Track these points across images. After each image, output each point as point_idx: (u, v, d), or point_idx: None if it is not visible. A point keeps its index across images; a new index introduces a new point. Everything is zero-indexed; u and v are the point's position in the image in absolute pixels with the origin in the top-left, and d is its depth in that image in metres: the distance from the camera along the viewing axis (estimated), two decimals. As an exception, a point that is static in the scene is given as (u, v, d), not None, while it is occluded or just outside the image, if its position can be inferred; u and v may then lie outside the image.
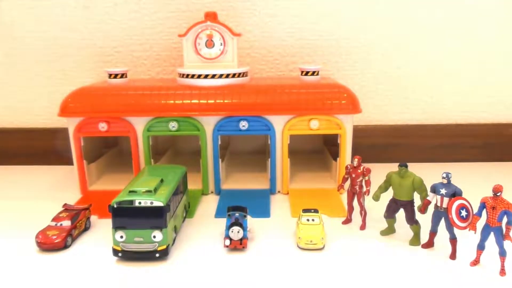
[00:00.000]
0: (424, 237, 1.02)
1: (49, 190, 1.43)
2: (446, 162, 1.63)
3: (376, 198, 1.06)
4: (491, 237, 0.89)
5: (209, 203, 1.29)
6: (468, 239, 0.97)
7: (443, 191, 0.94)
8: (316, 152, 1.68)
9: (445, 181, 0.94)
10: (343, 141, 1.32)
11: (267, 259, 0.98)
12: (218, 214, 1.20)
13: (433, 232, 1.00)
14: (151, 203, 0.94)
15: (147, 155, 1.33)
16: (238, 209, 1.07)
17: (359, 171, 1.09)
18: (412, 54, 1.60)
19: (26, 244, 1.05)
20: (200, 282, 0.90)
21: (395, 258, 0.97)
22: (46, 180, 1.52)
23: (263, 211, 1.21)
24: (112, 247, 0.96)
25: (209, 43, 1.35)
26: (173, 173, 1.13)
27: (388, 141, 1.65)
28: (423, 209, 0.99)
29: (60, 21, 1.60)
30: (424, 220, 1.02)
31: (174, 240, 1.04)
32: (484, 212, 0.90)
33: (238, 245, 1.00)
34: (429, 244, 1.01)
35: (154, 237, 0.95)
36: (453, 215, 0.92)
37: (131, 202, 0.95)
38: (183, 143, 1.69)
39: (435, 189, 0.96)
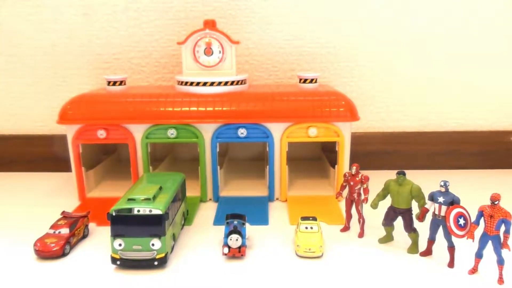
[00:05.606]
0: (423, 245, 1.02)
1: (47, 197, 1.43)
2: (444, 169, 1.63)
3: (374, 206, 1.06)
4: (489, 246, 0.90)
5: (208, 210, 1.29)
6: (466, 247, 0.97)
7: (441, 199, 0.94)
8: (314, 159, 1.68)
9: (443, 189, 0.95)
10: (341, 149, 1.32)
11: (265, 267, 0.98)
12: (217, 222, 1.20)
13: (431, 240, 1.00)
14: (150, 211, 0.94)
15: (146, 162, 1.33)
16: (236, 217, 1.07)
17: (357, 178, 1.10)
18: (410, 61, 1.61)
19: (24, 252, 1.05)
20: (199, 290, 0.90)
21: (393, 266, 0.97)
22: (44, 186, 1.51)
23: (262, 219, 1.21)
24: (111, 255, 0.96)
25: (208, 51, 1.36)
26: (172, 181, 1.13)
27: (386, 148, 1.65)
28: (421, 217, 0.99)
29: (60, 28, 1.60)
30: (422, 228, 1.03)
31: (172, 248, 1.04)
32: (482, 221, 0.90)
33: (236, 253, 1.00)
34: (427, 252, 1.01)
35: (153, 245, 0.95)
36: (451, 223, 0.92)
37: (130, 210, 0.95)
38: (181, 150, 1.70)
39: (433, 197, 0.96)
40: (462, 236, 0.92)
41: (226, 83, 1.35)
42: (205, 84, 1.34)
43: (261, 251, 1.04)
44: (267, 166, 1.35)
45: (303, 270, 0.96)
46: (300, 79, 1.44)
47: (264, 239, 1.10)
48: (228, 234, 1.00)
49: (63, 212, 1.15)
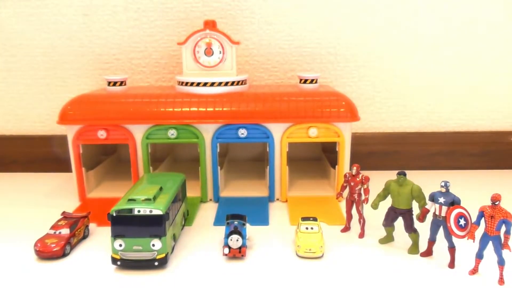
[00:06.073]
0: (423, 246, 1.02)
1: (47, 197, 1.43)
2: (444, 169, 1.63)
3: (375, 206, 1.06)
4: (490, 246, 0.90)
5: (208, 211, 1.29)
6: (466, 248, 0.98)
7: (441, 199, 0.94)
8: (314, 160, 1.68)
9: (443, 189, 0.95)
10: (341, 149, 1.32)
11: (266, 267, 0.98)
12: (217, 222, 1.20)
13: (431, 241, 1.00)
14: (150, 211, 0.94)
15: (146, 162, 1.33)
16: (237, 217, 1.07)
17: (357, 179, 1.10)
18: (410, 62, 1.61)
19: (25, 252, 1.05)
20: (199, 291, 0.90)
21: (394, 267, 0.97)
22: (45, 187, 1.51)
23: (262, 219, 1.21)
24: (111, 256, 0.96)
25: (208, 51, 1.36)
26: (172, 181, 1.13)
27: (386, 149, 1.65)
28: (421, 218, 0.99)
29: (60, 28, 1.60)
30: (423, 228, 1.03)
31: (173, 249, 1.04)
32: (482, 221, 0.90)
33: (237, 254, 1.00)
34: (428, 252, 1.01)
35: (153, 245, 0.95)
36: (452, 224, 0.92)
37: (130, 210, 0.95)
38: (182, 150, 1.69)
39: (433, 198, 0.96)
40: (463, 237, 0.92)
41: (226, 84, 1.35)
42: (205, 84, 1.34)
43: (261, 251, 1.04)
44: (268, 167, 1.35)
45: (304, 270, 0.96)
46: (301, 80, 1.44)
47: (265, 239, 1.10)
48: (228, 235, 1.00)
49: (63, 213, 1.15)
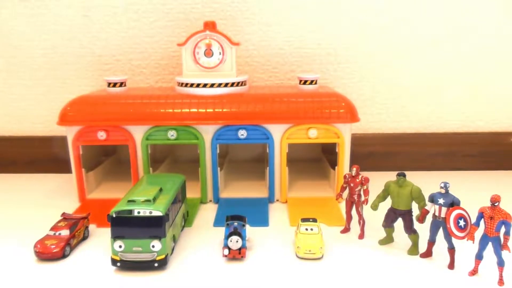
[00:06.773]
0: (423, 247, 1.02)
1: (47, 198, 1.43)
2: (444, 170, 1.63)
3: (375, 207, 1.06)
4: (489, 247, 0.90)
5: (208, 212, 1.29)
6: (466, 249, 0.97)
7: (441, 200, 0.94)
8: (314, 161, 1.68)
9: (443, 190, 0.95)
10: (341, 150, 1.32)
11: (265, 268, 0.98)
12: (217, 223, 1.20)
13: (431, 242, 1.00)
14: (150, 212, 0.95)
15: (146, 163, 1.33)
16: (236, 218, 1.07)
17: (357, 180, 1.10)
18: (409, 63, 1.61)
19: (24, 254, 1.05)
20: (199, 292, 0.90)
21: (393, 268, 0.97)
22: (45, 188, 1.51)
23: (262, 220, 1.21)
24: (111, 257, 0.96)
25: (208, 52, 1.36)
26: (172, 182, 1.13)
27: (386, 150, 1.65)
28: (421, 219, 0.99)
29: (60, 29, 1.60)
30: (423, 229, 1.02)
31: (172, 250, 1.04)
32: (482, 222, 0.90)
33: (236, 255, 1.00)
34: (428, 253, 1.01)
35: (153, 246, 0.95)
36: (451, 225, 0.92)
37: (130, 211, 0.95)
38: (181, 151, 1.70)
39: (433, 199, 0.96)
40: (462, 238, 0.92)
41: (226, 85, 1.35)
42: (205, 85, 1.34)
43: (261, 252, 1.04)
44: (267, 168, 1.35)
45: (303, 271, 0.96)
46: (300, 81, 1.44)
47: (264, 240, 1.10)
48: (228, 236, 1.00)
49: (63, 214, 1.15)
